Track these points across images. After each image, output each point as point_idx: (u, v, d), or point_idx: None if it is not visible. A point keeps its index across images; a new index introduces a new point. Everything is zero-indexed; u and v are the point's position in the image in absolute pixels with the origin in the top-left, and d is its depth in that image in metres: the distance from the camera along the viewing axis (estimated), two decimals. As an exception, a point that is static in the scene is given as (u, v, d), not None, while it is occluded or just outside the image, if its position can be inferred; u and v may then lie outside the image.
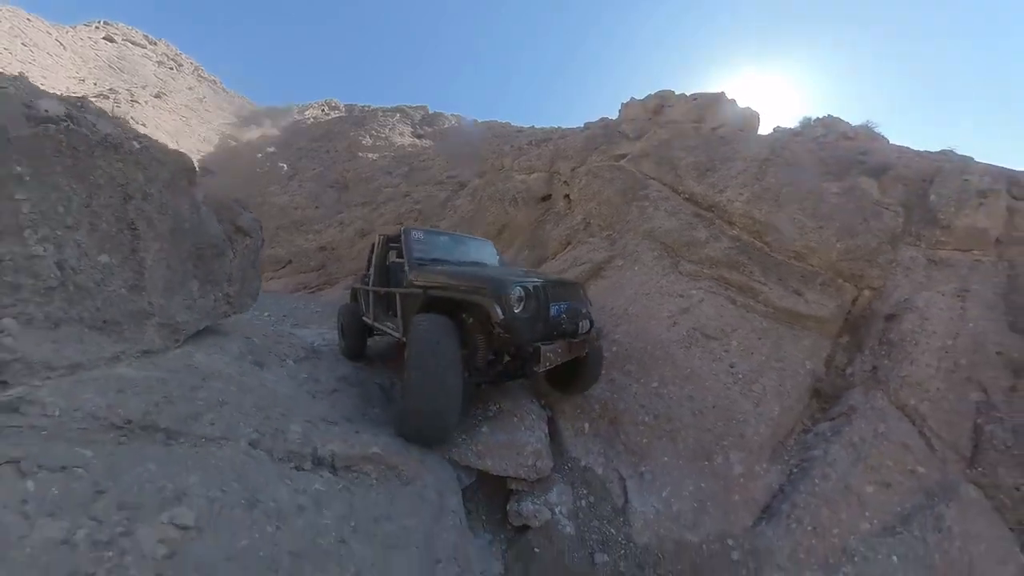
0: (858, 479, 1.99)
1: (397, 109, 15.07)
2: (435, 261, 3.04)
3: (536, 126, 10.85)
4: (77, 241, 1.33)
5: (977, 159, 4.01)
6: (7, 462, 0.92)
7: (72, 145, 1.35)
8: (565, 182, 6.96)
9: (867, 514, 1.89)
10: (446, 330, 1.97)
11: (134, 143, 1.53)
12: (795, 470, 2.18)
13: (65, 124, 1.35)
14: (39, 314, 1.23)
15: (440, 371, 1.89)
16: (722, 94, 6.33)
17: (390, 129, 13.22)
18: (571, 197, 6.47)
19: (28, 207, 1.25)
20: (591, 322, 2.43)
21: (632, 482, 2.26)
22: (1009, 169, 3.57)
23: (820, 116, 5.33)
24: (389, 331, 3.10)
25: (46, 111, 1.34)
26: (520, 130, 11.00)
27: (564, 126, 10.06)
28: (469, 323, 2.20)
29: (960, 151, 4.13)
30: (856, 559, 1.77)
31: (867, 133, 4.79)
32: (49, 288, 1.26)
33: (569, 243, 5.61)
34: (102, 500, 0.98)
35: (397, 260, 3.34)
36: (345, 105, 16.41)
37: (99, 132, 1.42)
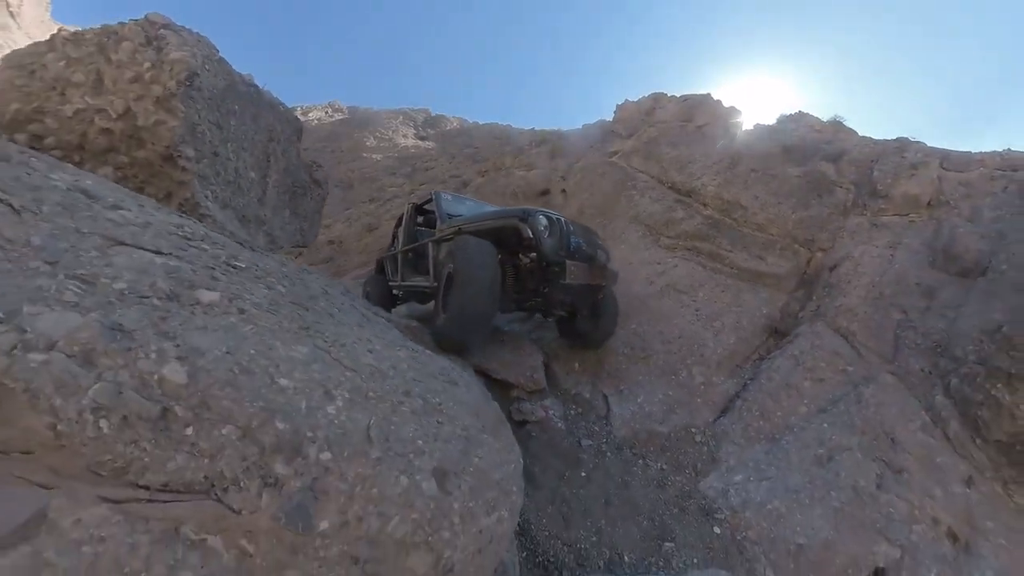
0: (797, 378, 2.58)
1: (400, 112, 15.83)
2: (461, 216, 3.46)
3: (536, 128, 11.60)
4: (245, 158, 2.00)
5: (932, 143, 4.66)
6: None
7: (253, 100, 2.10)
8: (562, 177, 7.66)
9: (804, 401, 2.48)
10: (487, 248, 2.33)
11: (280, 106, 2.28)
12: (748, 381, 2.77)
13: (254, 88, 2.14)
14: (222, 195, 1.88)
15: (484, 282, 2.18)
16: (708, 95, 7.10)
17: (393, 131, 14.00)
18: (567, 190, 7.14)
19: (231, 131, 1.94)
20: (608, 255, 2.84)
21: (613, 398, 2.85)
22: (945, 149, 4.24)
23: (792, 112, 6.05)
24: (418, 285, 3.54)
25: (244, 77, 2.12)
26: (521, 132, 11.81)
27: (563, 128, 10.88)
28: (498, 254, 2.51)
29: (926, 139, 4.77)
30: (795, 430, 2.35)
31: (834, 126, 5.50)
32: (228, 182, 1.93)
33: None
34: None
35: (423, 227, 3.91)
36: (348, 107, 17.17)
37: (266, 96, 2.19)
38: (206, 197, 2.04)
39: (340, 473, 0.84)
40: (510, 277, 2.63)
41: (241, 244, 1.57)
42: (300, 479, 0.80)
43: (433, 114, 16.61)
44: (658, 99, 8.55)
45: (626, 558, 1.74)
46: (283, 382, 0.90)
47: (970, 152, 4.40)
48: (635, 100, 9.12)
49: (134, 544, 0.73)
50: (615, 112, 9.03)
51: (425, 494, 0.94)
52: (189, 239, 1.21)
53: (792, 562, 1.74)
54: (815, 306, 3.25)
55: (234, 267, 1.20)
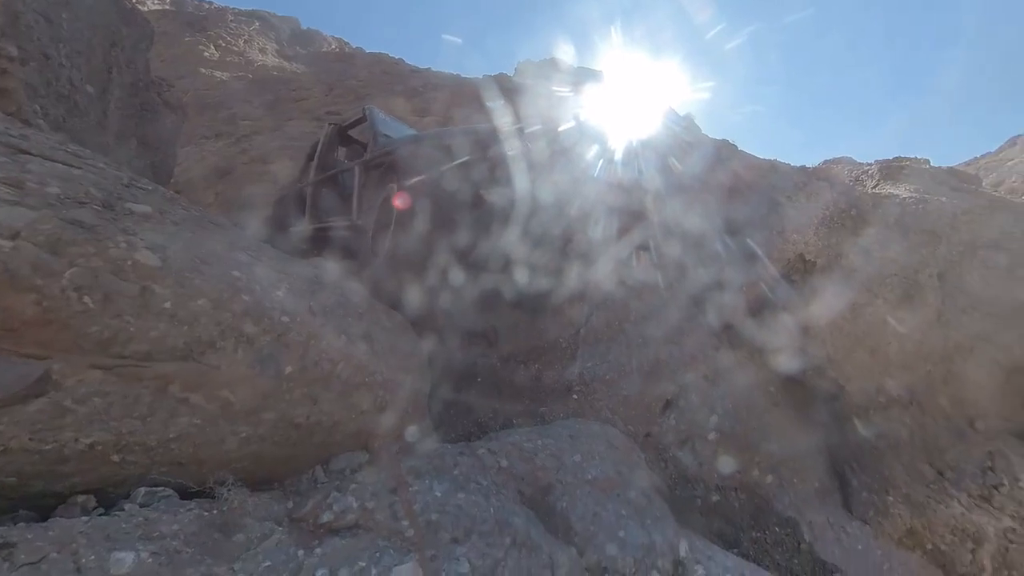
0: (628, 297, 3.45)
1: (255, 15, 12.90)
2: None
3: (434, 69, 10.66)
4: (81, 67, 1.79)
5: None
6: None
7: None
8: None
9: (631, 315, 3.34)
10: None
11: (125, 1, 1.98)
12: (596, 305, 3.56)
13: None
14: (54, 113, 1.72)
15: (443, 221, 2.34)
16: (600, 72, 7.83)
17: (245, 41, 11.60)
18: None
19: (64, 28, 1.71)
20: None
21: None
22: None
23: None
24: (334, 225, 3.18)
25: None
26: (415, 70, 10.62)
27: (464, 75, 10.49)
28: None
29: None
30: (625, 332, 3.17)
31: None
32: (61, 96, 1.74)
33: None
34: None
35: (348, 152, 3.56)
36: (170, -4, 13.42)
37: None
38: (35, 113, 1.85)
39: (297, 330, 1.17)
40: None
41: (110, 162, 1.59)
42: (268, 335, 1.11)
43: (304, 27, 13.97)
44: (556, 63, 9.02)
45: (515, 422, 2.37)
46: (236, 274, 1.16)
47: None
48: (536, 61, 9.42)
49: (137, 395, 0.97)
50: (515, 69, 9.19)
51: (360, 348, 1.32)
52: (81, 156, 1.27)
53: (622, 406, 2.57)
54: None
55: (141, 188, 1.30)
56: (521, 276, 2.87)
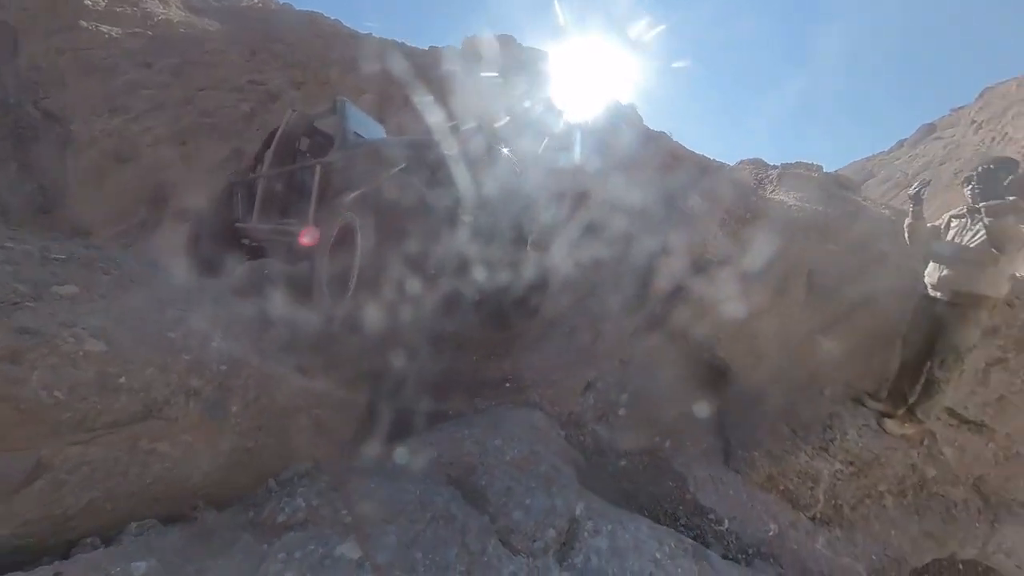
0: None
1: None
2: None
3: (376, 36, 9.80)
4: None
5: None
6: None
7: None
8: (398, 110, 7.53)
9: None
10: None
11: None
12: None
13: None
14: None
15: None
16: (546, 53, 8.06)
17: None
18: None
19: None
20: None
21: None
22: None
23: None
24: (286, 227, 3.02)
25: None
26: (354, 36, 9.69)
27: (410, 43, 9.85)
28: None
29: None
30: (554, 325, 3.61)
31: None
32: None
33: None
34: None
35: (311, 145, 3.34)
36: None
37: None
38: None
39: (236, 374, 1.46)
40: None
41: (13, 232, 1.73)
42: (210, 385, 1.40)
43: (214, -28, 12.26)
44: (505, 41, 8.94)
45: (450, 413, 2.78)
46: (171, 335, 1.42)
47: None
48: (483, 36, 9.25)
49: (115, 457, 1.25)
50: (462, 44, 8.98)
51: (296, 378, 1.64)
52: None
53: (550, 390, 3.06)
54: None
55: (55, 259, 1.48)
56: (478, 275, 2.99)
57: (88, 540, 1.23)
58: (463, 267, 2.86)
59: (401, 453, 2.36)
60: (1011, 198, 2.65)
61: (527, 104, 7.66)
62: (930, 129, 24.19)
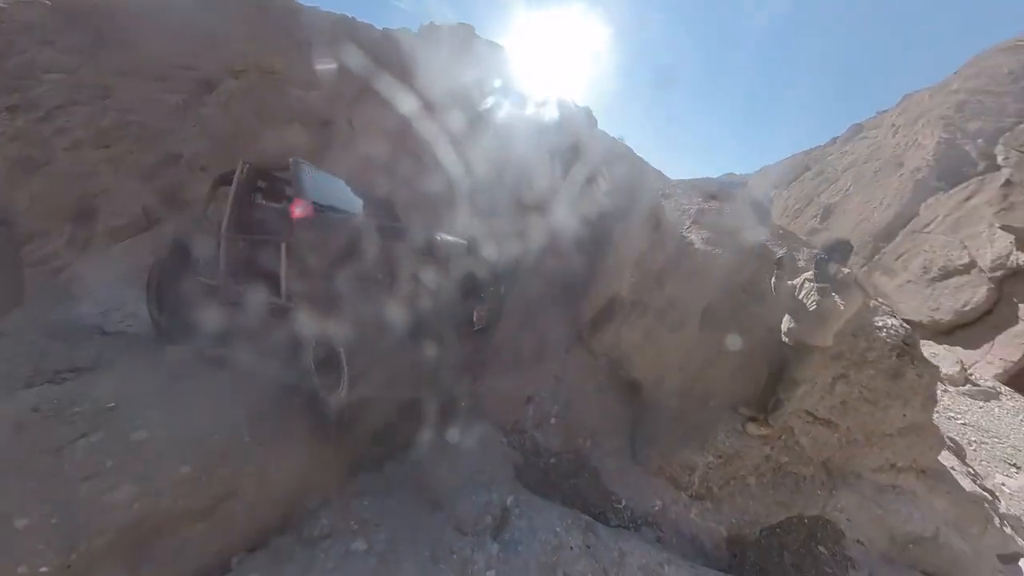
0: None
1: None
2: (330, 208, 3.28)
3: (326, 12, 8.72)
4: None
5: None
6: None
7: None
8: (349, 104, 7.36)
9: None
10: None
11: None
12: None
13: None
14: None
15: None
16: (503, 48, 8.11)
17: None
18: (355, 125, 7.03)
19: None
20: None
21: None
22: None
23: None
24: (255, 299, 3.21)
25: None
26: (302, 11, 8.47)
27: (359, 17, 9.27)
28: None
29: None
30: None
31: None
32: None
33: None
34: None
35: (267, 202, 3.44)
36: None
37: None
38: None
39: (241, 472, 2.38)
40: None
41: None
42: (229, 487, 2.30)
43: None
44: (466, 28, 8.93)
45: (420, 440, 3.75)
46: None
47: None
48: (439, 24, 9.06)
49: None
50: (419, 30, 8.89)
51: (291, 451, 2.58)
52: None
53: (499, 404, 4.06)
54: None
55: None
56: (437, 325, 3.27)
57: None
58: (425, 320, 3.63)
59: (382, 478, 3.37)
60: (842, 273, 3.57)
61: (488, 100, 7.96)
62: (858, 129, 26.02)
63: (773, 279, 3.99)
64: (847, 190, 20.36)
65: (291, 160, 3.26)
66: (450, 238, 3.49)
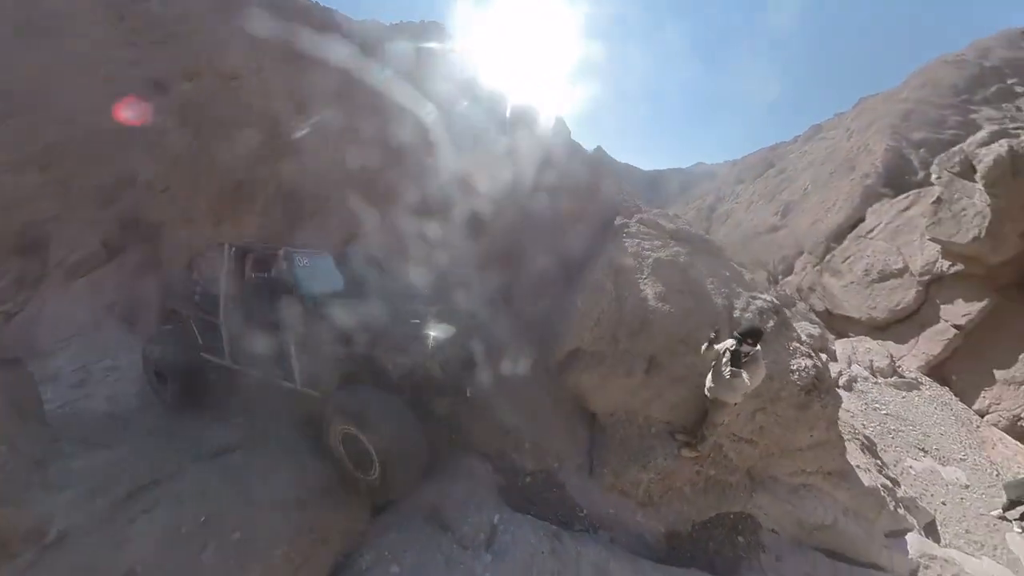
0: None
1: None
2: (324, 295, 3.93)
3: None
4: None
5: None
6: None
7: None
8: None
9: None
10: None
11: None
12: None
13: None
14: None
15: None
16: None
17: None
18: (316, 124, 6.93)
19: None
20: None
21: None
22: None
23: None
24: (273, 380, 3.97)
25: None
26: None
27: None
28: None
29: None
30: None
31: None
32: None
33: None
34: None
35: (259, 275, 3.78)
36: None
37: None
38: None
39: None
40: None
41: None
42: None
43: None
44: (436, 29, 9.30)
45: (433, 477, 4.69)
46: None
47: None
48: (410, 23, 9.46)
49: None
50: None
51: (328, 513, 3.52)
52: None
53: (484, 437, 4.98)
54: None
55: None
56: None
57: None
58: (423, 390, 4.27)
59: (398, 514, 4.31)
60: (752, 351, 4.54)
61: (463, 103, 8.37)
62: (818, 129, 27.48)
63: (704, 347, 4.96)
64: (806, 189, 21.59)
65: (282, 251, 3.69)
66: (437, 332, 4.20)
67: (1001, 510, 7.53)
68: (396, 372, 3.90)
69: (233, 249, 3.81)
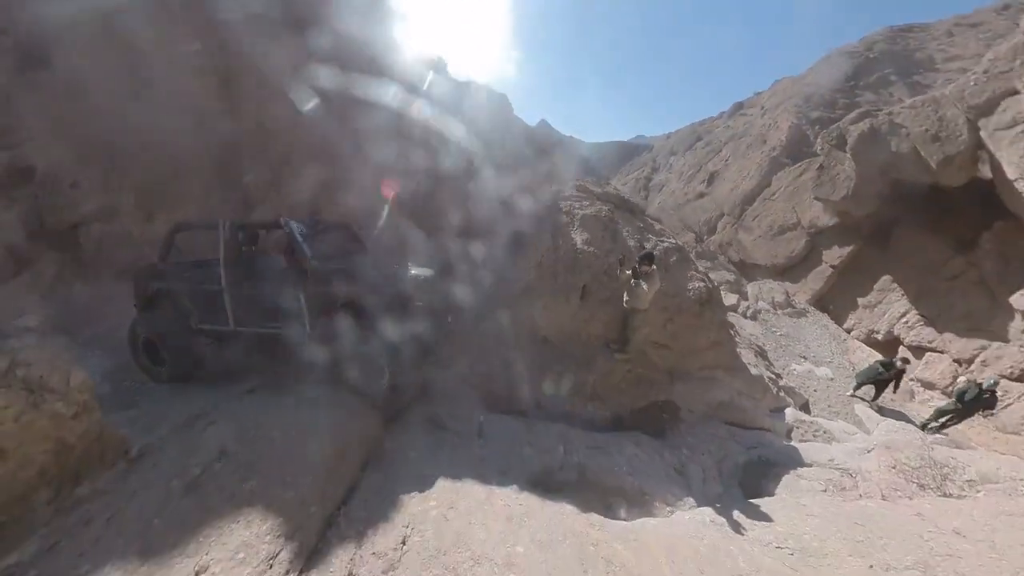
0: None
1: None
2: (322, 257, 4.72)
3: None
4: None
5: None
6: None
7: None
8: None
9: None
10: None
11: None
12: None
13: None
14: None
15: None
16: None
17: None
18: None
19: None
20: None
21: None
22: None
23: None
24: (272, 331, 4.62)
25: None
26: None
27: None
28: None
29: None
30: None
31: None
32: None
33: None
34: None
35: (254, 249, 4.67)
36: None
37: None
38: None
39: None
40: None
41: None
42: None
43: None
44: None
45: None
46: None
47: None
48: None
49: None
50: None
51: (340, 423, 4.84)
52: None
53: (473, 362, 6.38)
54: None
55: None
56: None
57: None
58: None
59: (402, 422, 5.58)
60: (648, 270, 6.17)
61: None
62: (739, 106, 30.56)
63: (619, 271, 6.56)
64: (727, 160, 24.28)
65: (282, 220, 4.38)
66: (419, 271, 5.49)
67: (852, 391, 10.16)
68: (383, 302, 4.54)
69: (227, 223, 4.34)
